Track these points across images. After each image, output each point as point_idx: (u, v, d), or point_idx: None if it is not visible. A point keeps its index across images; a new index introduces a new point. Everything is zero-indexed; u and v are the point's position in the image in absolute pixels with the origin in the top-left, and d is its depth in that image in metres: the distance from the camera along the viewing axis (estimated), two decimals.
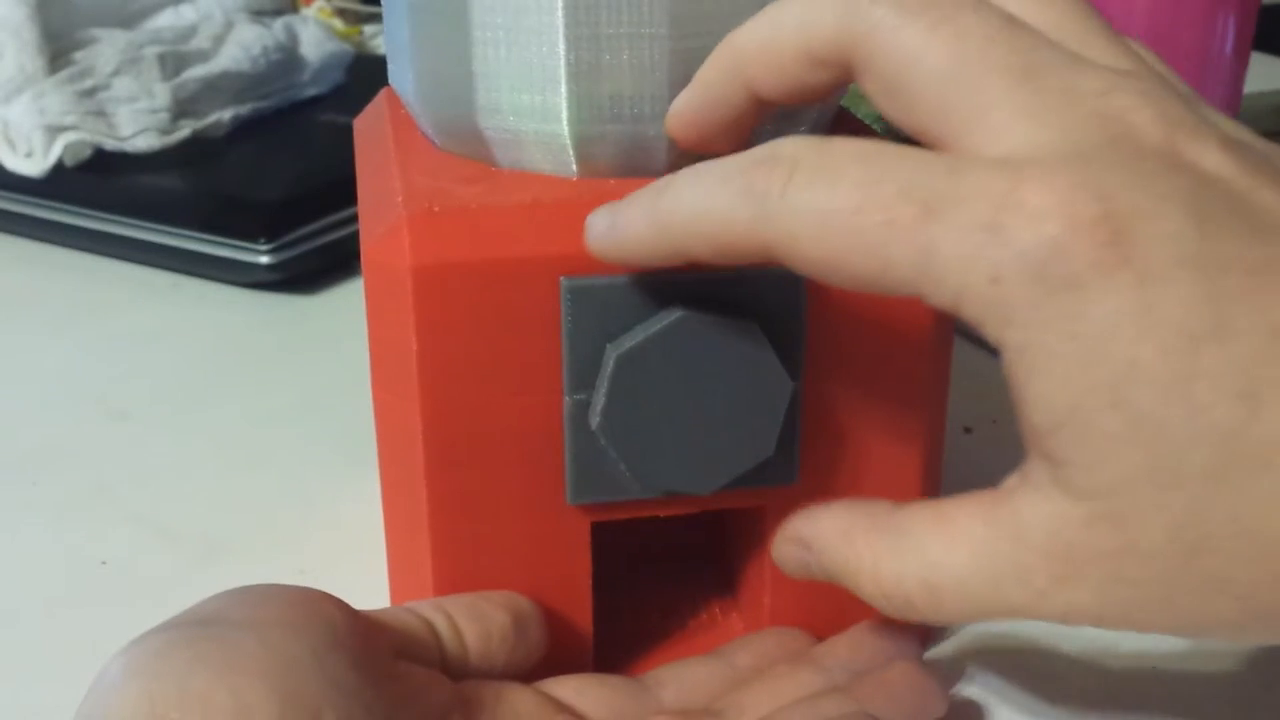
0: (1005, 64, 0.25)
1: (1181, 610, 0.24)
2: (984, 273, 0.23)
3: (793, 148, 0.25)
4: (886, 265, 0.24)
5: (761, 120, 0.29)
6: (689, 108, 0.29)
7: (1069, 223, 0.23)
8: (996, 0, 0.26)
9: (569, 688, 0.32)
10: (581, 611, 0.32)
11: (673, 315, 0.29)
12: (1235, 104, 0.53)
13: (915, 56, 0.25)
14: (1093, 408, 0.23)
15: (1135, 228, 0.23)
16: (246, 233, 0.59)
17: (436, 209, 0.29)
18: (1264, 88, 0.76)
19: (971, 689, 0.34)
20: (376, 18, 0.94)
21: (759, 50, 0.27)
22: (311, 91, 0.74)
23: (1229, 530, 0.23)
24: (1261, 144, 0.26)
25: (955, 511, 0.26)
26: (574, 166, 0.31)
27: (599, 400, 0.29)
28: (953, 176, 0.24)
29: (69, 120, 0.63)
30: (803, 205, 0.25)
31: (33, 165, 0.63)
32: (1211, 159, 0.24)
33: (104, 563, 0.39)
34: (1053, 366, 0.23)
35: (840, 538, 0.28)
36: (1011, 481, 0.26)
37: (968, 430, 0.45)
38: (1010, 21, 0.25)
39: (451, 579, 0.32)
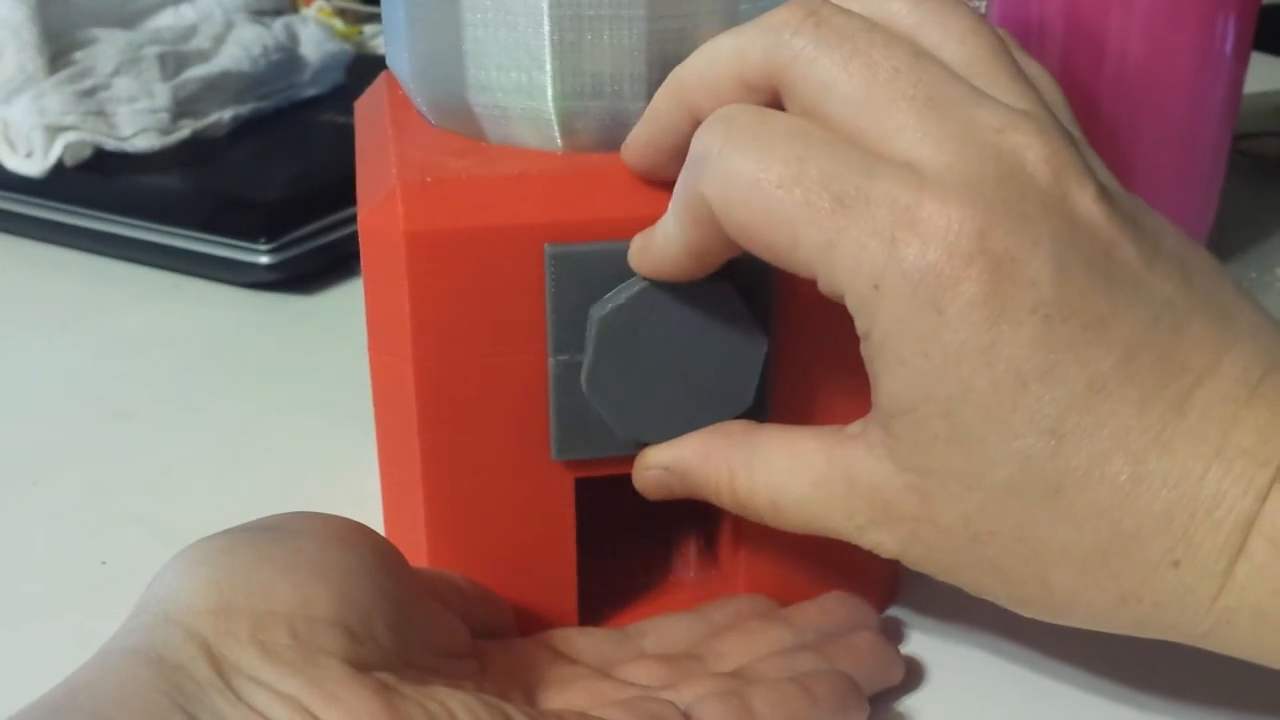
0: (910, 94, 0.30)
1: (960, 576, 0.31)
2: (868, 278, 0.29)
3: (733, 110, 0.31)
4: (795, 243, 0.29)
5: None
6: (641, 137, 0.34)
7: (948, 253, 0.28)
8: (915, 34, 0.31)
9: (557, 638, 0.36)
10: (566, 563, 0.37)
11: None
12: (1235, 105, 0.55)
13: (830, 85, 0.30)
14: (928, 413, 0.29)
15: (1001, 269, 0.28)
16: (246, 233, 0.62)
17: (429, 179, 0.34)
18: (1264, 88, 0.78)
19: (918, 650, 0.38)
20: (376, 18, 0.96)
21: (699, 79, 0.32)
22: (311, 91, 0.77)
23: (1011, 534, 0.29)
24: (1129, 198, 0.31)
25: (803, 441, 0.33)
26: (558, 141, 0.35)
27: (585, 356, 0.34)
28: (867, 177, 0.29)
29: (69, 120, 0.66)
30: (735, 166, 0.30)
31: (33, 165, 0.66)
32: (1088, 206, 0.29)
33: (104, 562, 0.42)
34: (903, 371, 0.29)
35: (701, 459, 0.34)
36: (854, 428, 0.32)
37: None
38: (919, 56, 0.30)
39: (444, 532, 0.36)
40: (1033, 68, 0.34)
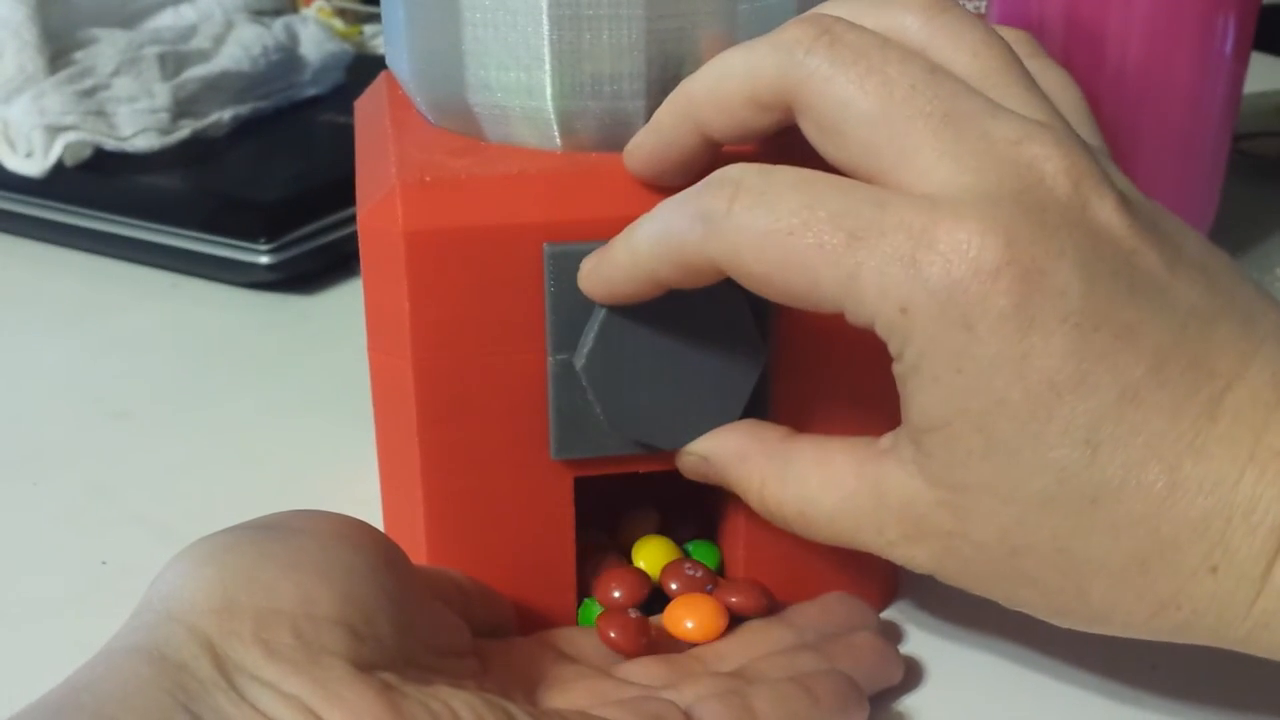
0: (927, 111, 0.30)
1: (996, 589, 0.31)
2: (895, 303, 0.29)
3: (738, 172, 0.31)
4: (815, 283, 0.29)
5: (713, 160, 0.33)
6: (645, 147, 0.34)
7: (974, 268, 0.28)
8: (928, 48, 0.31)
9: (558, 637, 0.36)
10: (566, 563, 0.37)
11: None
12: (1235, 105, 0.55)
13: (846, 103, 0.30)
14: (962, 428, 0.29)
15: (1030, 280, 0.28)
16: (246, 233, 0.61)
17: (428, 179, 0.34)
18: (1264, 88, 0.78)
19: (918, 650, 0.38)
20: (376, 18, 0.95)
21: (709, 95, 0.32)
22: (311, 91, 0.77)
23: (1048, 545, 0.29)
24: (1149, 205, 0.31)
25: (834, 454, 0.33)
26: (558, 140, 0.35)
27: (585, 345, 0.34)
28: (878, 209, 0.29)
29: (69, 120, 0.65)
30: (744, 224, 0.30)
31: (33, 165, 0.65)
32: (1108, 215, 0.29)
33: (104, 562, 0.42)
34: (936, 389, 0.29)
35: (736, 458, 0.34)
36: (885, 443, 0.32)
37: None
38: (934, 71, 0.30)
39: (443, 531, 0.36)
40: (1055, 76, 0.34)
